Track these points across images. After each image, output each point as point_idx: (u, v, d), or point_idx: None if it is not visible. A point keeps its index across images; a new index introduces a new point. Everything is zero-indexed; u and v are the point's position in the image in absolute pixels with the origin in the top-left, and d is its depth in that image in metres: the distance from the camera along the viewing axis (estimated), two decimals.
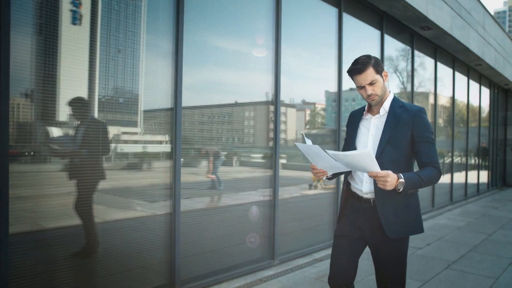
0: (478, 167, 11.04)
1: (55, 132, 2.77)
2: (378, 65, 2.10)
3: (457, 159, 9.62)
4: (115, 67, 3.04)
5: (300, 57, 4.82)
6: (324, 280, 3.69)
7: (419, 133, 2.08)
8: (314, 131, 5.46)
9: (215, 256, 3.71)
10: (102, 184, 2.96)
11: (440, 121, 8.71)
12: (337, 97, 5.26)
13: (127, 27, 3.11)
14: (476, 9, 8.50)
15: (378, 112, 2.18)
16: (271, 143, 4.32)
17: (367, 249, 2.28)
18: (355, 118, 2.30)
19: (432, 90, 8.17)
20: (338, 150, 2.51)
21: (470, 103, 10.32)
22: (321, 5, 4.98)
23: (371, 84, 2.08)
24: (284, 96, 4.41)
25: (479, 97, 11.01)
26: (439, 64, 8.27)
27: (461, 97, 9.81)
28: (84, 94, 2.88)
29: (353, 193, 2.23)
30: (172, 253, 3.32)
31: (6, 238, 2.43)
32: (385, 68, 6.32)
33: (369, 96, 2.11)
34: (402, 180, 1.91)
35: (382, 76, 2.12)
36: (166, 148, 3.37)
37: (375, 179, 1.91)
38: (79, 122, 2.85)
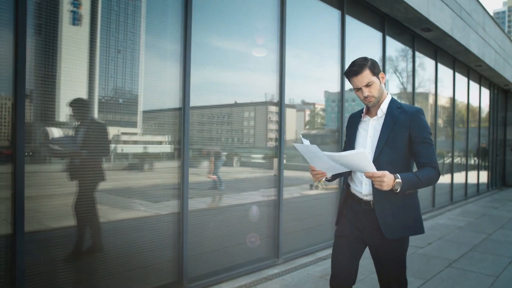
0: (478, 168, 11.10)
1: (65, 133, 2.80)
2: (374, 67, 2.10)
3: (457, 160, 9.66)
4: (115, 67, 3.03)
5: (300, 57, 4.86)
6: (328, 279, 3.74)
7: (417, 134, 2.08)
8: (313, 132, 5.51)
9: (221, 255, 3.76)
10: (110, 185, 2.99)
11: (440, 122, 8.75)
12: (340, 98, 5.32)
13: (127, 28, 3.11)
14: (476, 10, 8.56)
15: (376, 114, 2.19)
16: (275, 144, 4.37)
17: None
18: (354, 120, 2.31)
19: (433, 91, 8.23)
20: (340, 151, 2.55)
21: (470, 103, 10.37)
22: (324, 7, 5.04)
23: (367, 86, 2.09)
24: (285, 97, 4.46)
25: (479, 97, 11.06)
26: (439, 65, 8.33)
27: (461, 98, 9.87)
28: (85, 95, 2.87)
29: (353, 194, 2.24)
30: (180, 252, 3.38)
31: (22, 239, 2.47)
32: (386, 68, 6.44)
33: (365, 97, 2.11)
34: (399, 180, 1.91)
35: (379, 78, 2.12)
36: (174, 148, 3.42)
37: (371, 179, 1.92)
38: (79, 123, 2.85)
